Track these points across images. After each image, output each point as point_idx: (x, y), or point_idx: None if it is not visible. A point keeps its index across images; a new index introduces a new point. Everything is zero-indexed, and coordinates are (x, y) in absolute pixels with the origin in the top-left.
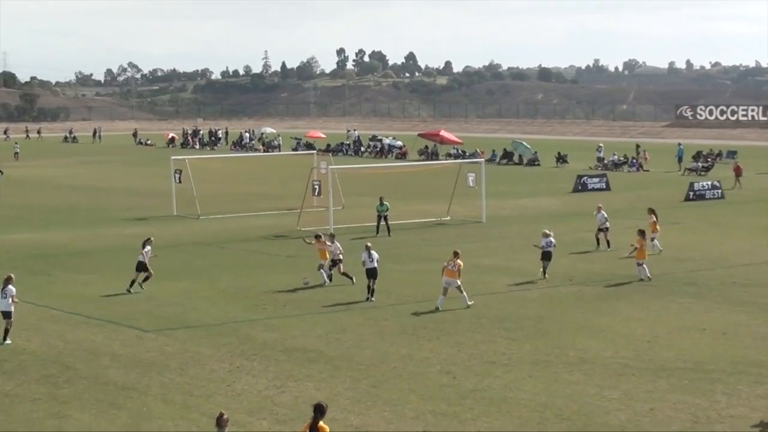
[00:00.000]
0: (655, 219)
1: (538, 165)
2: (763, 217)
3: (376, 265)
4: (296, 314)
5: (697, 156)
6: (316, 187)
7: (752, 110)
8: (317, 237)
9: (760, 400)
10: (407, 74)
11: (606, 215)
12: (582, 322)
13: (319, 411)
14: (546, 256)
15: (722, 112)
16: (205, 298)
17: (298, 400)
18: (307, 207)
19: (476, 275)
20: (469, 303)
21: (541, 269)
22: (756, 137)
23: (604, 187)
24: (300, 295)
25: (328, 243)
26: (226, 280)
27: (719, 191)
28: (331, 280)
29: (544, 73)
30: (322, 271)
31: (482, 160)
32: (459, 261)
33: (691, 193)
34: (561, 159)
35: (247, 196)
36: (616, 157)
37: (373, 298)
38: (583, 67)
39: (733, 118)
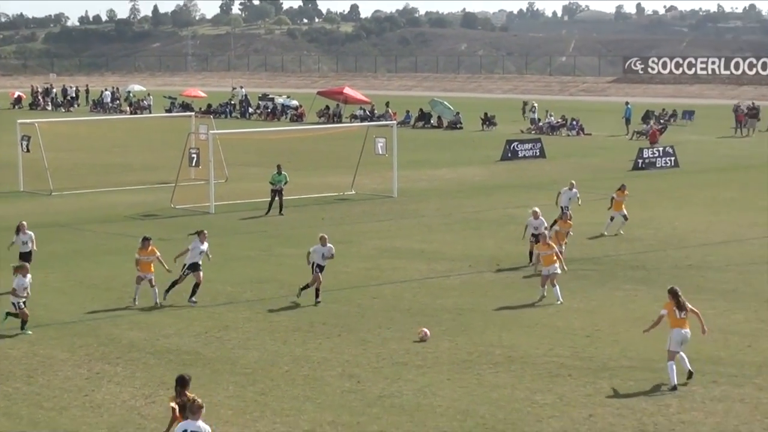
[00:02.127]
0: (623, 198)
1: (461, 128)
2: (722, 189)
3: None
4: (169, 309)
5: (647, 117)
6: (194, 156)
7: (712, 63)
8: (145, 240)
9: (717, 404)
10: (305, 20)
11: (578, 195)
12: (510, 315)
13: (180, 383)
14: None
15: (678, 66)
16: (58, 290)
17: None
18: (183, 180)
19: (386, 260)
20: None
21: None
22: (717, 94)
23: (538, 154)
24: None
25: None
26: (84, 269)
27: (673, 159)
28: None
29: (468, 20)
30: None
31: (394, 122)
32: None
33: (640, 161)
34: (488, 121)
35: (110, 167)
36: (552, 118)
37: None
38: (515, 12)
39: (691, 72)
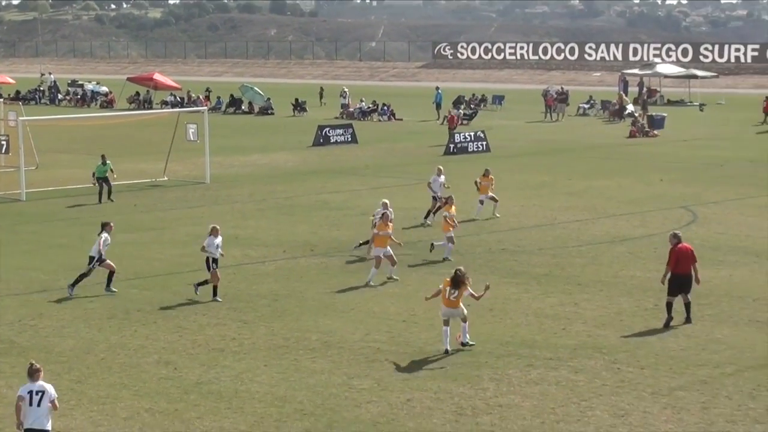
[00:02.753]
0: (488, 182)
1: (272, 114)
2: (534, 173)
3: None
4: None
5: (458, 102)
6: (3, 142)
7: (521, 48)
8: None
9: (533, 386)
10: (113, 6)
11: (443, 181)
12: (326, 300)
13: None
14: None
15: (487, 51)
16: None
17: None
18: None
19: (200, 246)
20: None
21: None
22: (526, 79)
23: (350, 139)
24: None
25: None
26: None
27: (484, 143)
28: None
29: (277, 6)
30: None
31: (205, 108)
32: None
33: (452, 146)
34: (299, 107)
35: None
36: (363, 103)
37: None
38: None
39: (500, 58)
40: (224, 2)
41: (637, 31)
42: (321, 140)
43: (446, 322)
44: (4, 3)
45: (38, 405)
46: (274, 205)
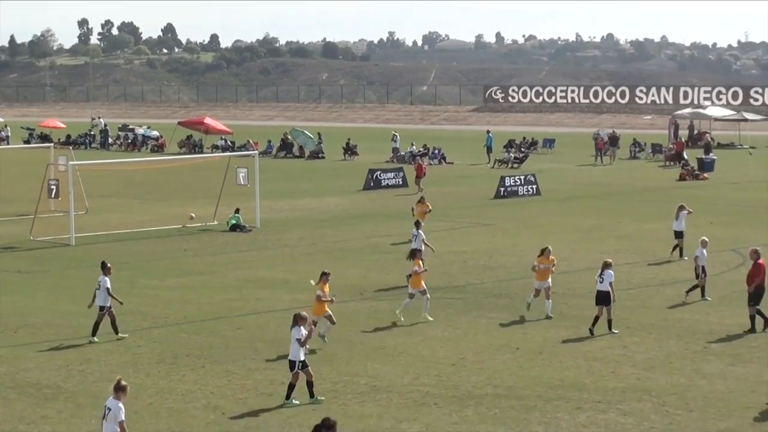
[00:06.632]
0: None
1: (323, 158)
2: (584, 217)
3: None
4: (30, 342)
5: (509, 145)
6: (53, 187)
7: (572, 91)
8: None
9: (582, 429)
10: (165, 50)
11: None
12: (375, 344)
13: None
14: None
15: (538, 94)
16: None
17: None
18: (43, 212)
19: (250, 290)
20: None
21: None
22: (577, 122)
23: (401, 183)
24: (35, 319)
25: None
26: None
27: (534, 187)
28: None
29: (329, 49)
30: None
31: (255, 152)
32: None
33: (502, 189)
34: (350, 150)
35: None
36: (414, 147)
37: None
38: (376, 42)
39: (551, 101)
40: (276, 47)
41: (688, 74)
42: (372, 184)
43: None
44: (55, 48)
45: (106, 420)
46: (324, 249)
